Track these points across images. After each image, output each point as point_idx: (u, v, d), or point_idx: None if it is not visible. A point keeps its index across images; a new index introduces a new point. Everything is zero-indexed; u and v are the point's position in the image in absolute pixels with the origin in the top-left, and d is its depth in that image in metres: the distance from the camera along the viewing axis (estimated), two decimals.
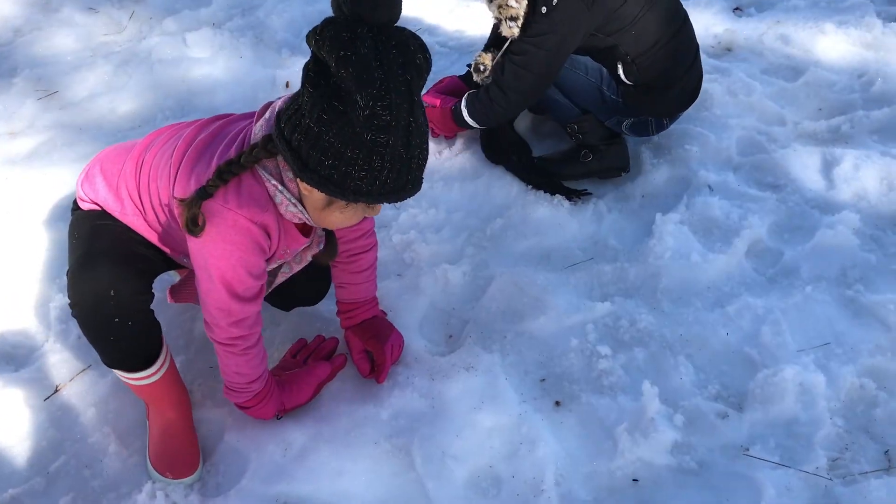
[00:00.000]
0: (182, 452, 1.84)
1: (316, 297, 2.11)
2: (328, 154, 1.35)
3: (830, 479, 1.79)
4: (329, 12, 1.34)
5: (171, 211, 1.63)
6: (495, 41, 2.51)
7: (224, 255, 1.53)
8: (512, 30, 2.31)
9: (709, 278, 2.26)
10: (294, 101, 1.42)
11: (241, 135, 1.57)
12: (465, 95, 2.56)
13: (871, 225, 2.42)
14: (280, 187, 1.52)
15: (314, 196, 1.49)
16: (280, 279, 1.83)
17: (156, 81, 3.07)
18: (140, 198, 1.68)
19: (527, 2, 2.26)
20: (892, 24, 3.24)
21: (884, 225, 2.43)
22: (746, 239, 2.35)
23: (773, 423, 1.91)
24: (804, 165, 2.62)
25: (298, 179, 1.46)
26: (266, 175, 1.51)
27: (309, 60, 1.36)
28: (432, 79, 2.82)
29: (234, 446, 1.88)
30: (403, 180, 1.39)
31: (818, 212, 2.46)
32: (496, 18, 2.33)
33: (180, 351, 2.09)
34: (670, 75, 2.44)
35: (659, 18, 2.36)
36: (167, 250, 1.75)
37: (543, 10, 2.24)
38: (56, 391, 1.99)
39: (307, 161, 1.38)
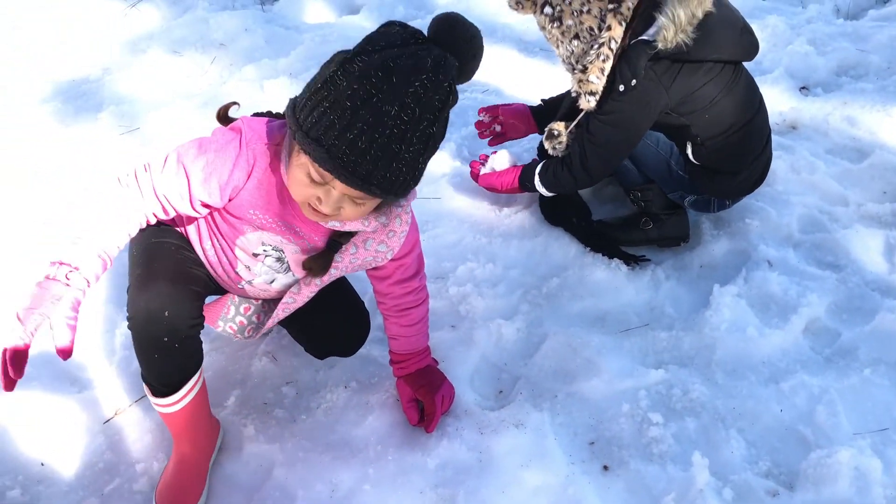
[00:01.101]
0: (185, 490, 1.85)
1: (351, 346, 2.09)
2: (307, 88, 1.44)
3: None
4: None
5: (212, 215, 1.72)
6: (569, 112, 2.50)
7: (208, 138, 1.63)
8: (590, 103, 2.30)
9: (764, 353, 2.24)
10: None
11: None
12: (540, 167, 2.56)
13: None
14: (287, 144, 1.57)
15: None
16: (281, 311, 1.84)
17: None
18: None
19: (606, 78, 2.26)
20: None
21: None
22: (804, 316, 2.33)
23: None
24: (866, 247, 2.59)
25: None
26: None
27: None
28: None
29: (281, 483, 1.91)
30: (333, 136, 1.35)
31: (879, 294, 2.43)
32: (575, 92, 2.32)
33: (236, 385, 2.14)
34: (738, 161, 2.43)
35: (735, 105, 2.34)
36: (210, 266, 1.81)
37: (621, 88, 2.23)
38: (115, 415, 2.05)
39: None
